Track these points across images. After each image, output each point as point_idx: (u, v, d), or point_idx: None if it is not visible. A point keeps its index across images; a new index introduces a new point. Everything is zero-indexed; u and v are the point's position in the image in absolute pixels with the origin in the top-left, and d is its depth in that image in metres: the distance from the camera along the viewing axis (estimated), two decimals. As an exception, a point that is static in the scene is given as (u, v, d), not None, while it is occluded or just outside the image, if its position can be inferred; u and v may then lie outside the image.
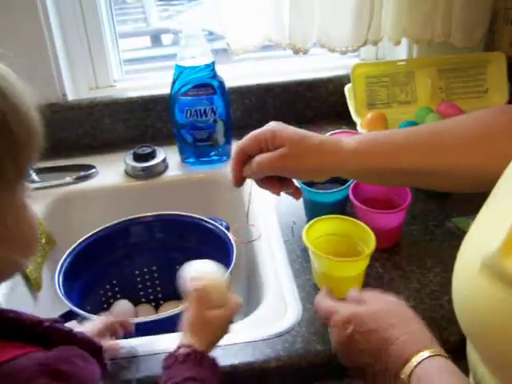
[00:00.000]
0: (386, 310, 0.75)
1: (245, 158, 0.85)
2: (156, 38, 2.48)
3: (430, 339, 0.70)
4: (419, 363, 0.67)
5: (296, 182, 0.90)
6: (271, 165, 0.82)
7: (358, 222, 0.96)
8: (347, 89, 1.41)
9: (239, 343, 0.85)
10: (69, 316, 0.96)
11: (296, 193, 0.89)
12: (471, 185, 0.83)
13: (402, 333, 0.71)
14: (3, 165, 0.51)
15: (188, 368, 0.67)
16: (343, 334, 0.74)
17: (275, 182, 0.86)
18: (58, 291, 0.97)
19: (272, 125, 0.84)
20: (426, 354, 0.67)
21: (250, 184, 0.89)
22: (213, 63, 1.24)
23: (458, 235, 1.05)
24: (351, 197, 1.03)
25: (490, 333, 0.56)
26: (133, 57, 1.63)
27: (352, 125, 1.36)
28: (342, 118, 1.42)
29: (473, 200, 1.11)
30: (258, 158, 0.82)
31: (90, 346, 0.59)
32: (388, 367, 0.69)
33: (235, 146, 0.86)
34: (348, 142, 0.83)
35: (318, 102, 1.47)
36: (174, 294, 1.21)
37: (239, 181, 0.87)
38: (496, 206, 0.63)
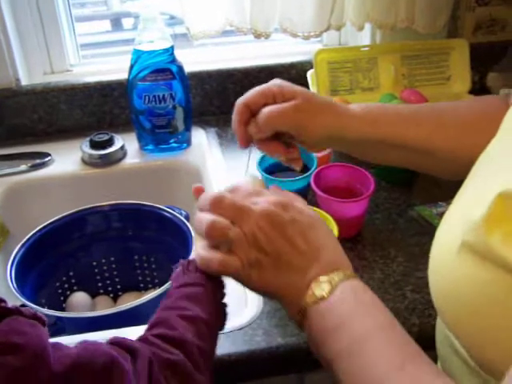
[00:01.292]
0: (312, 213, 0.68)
1: (249, 114, 0.78)
2: (117, 22, 2.43)
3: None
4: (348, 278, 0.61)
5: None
6: (283, 116, 0.75)
7: (319, 210, 0.95)
8: (310, 75, 1.39)
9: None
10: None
11: (298, 160, 0.83)
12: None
13: (331, 242, 0.66)
14: None
15: None
16: (280, 219, 0.63)
17: (279, 144, 0.80)
18: (10, 284, 0.94)
19: (277, 81, 0.79)
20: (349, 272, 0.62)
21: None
22: (172, 48, 1.21)
23: (421, 224, 1.05)
24: (313, 185, 1.01)
25: (474, 318, 0.52)
26: (92, 41, 1.58)
27: (314, 111, 1.33)
28: (303, 104, 1.40)
29: (435, 189, 1.12)
30: (267, 110, 0.75)
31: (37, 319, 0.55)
32: (307, 272, 0.62)
33: (237, 101, 0.78)
34: (355, 107, 0.81)
35: (279, 88, 1.44)
36: (132, 284, 1.19)
37: (246, 141, 0.79)
38: (477, 181, 0.60)
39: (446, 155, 0.81)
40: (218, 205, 0.63)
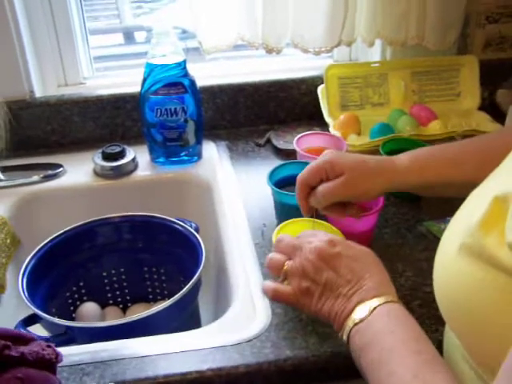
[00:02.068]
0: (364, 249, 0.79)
1: (308, 189, 0.91)
2: (129, 36, 2.45)
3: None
4: (388, 302, 0.70)
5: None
6: (334, 193, 0.88)
7: (328, 224, 0.95)
8: (320, 90, 1.40)
9: (207, 348, 0.83)
10: (33, 319, 0.93)
11: (357, 213, 0.94)
12: None
13: (376, 272, 0.75)
14: None
15: None
16: (328, 252, 0.76)
17: (339, 206, 0.92)
18: (21, 293, 0.95)
19: (329, 155, 0.90)
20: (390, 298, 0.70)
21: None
22: (184, 62, 1.22)
23: (430, 239, 1.05)
24: (322, 199, 1.02)
25: (469, 316, 0.55)
26: (105, 54, 1.60)
27: (324, 126, 1.35)
28: (314, 119, 1.42)
29: (444, 204, 1.12)
30: (322, 189, 0.89)
31: (44, 363, 0.56)
32: (351, 298, 0.72)
33: (298, 180, 0.92)
34: (402, 158, 0.91)
35: (290, 103, 1.46)
36: (142, 295, 1.20)
37: (308, 211, 0.94)
38: (479, 187, 0.64)
39: None
40: (278, 244, 0.83)
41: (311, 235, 0.82)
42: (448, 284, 0.60)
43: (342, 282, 0.74)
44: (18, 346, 0.54)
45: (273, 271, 0.82)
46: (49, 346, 0.56)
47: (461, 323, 0.58)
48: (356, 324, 0.69)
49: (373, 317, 0.69)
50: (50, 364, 0.55)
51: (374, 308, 0.69)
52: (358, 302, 0.71)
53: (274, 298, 0.81)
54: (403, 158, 0.91)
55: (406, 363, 0.61)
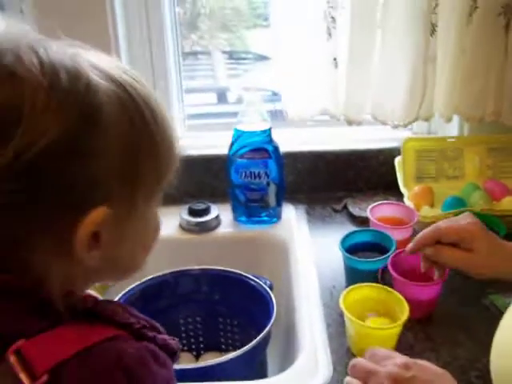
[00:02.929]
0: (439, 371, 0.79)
1: (435, 239, 0.99)
2: (222, 95, 2.59)
3: None
4: None
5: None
6: (457, 263, 0.97)
7: (393, 291, 1.00)
8: (397, 161, 1.46)
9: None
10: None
11: (444, 274, 1.02)
12: None
13: None
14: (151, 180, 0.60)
15: None
16: (403, 377, 0.75)
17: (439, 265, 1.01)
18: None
19: (471, 223, 0.98)
20: None
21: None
22: (269, 129, 1.31)
23: (493, 312, 1.07)
24: (390, 268, 1.07)
25: None
26: (198, 112, 1.72)
27: (399, 196, 1.40)
28: (390, 189, 1.47)
29: None
30: (451, 253, 0.97)
31: (168, 350, 0.62)
32: None
33: (436, 226, 1.00)
34: None
35: (368, 172, 1.53)
36: (214, 344, 1.27)
37: (416, 251, 1.02)
38: None
39: None
40: (352, 369, 0.81)
41: (385, 357, 0.80)
42: (505, 363, 0.62)
43: None
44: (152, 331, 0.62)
45: None
46: (173, 339, 0.64)
47: None
48: None
49: None
50: (172, 353, 0.63)
51: None
52: None
53: None
54: None
55: None
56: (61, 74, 0.50)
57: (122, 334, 0.58)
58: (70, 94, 0.50)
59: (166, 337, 0.62)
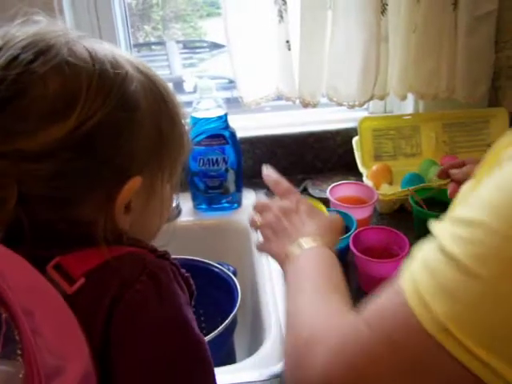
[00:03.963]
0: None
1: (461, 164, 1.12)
2: (178, 85, 2.57)
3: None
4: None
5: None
6: None
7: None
8: (355, 141, 1.47)
9: (240, 383, 0.89)
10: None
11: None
12: None
13: (321, 224, 0.89)
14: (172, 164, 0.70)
15: None
16: (289, 207, 0.91)
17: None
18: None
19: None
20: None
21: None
22: (225, 115, 1.31)
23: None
24: (351, 246, 1.07)
25: None
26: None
27: (359, 176, 1.41)
28: (349, 169, 1.48)
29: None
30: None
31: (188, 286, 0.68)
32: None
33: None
34: None
35: (326, 154, 1.53)
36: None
37: (445, 175, 1.15)
38: None
39: None
40: (254, 205, 0.98)
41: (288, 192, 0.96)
42: None
43: (293, 229, 0.88)
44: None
45: (252, 226, 0.97)
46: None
47: None
48: (288, 258, 0.83)
49: (302, 255, 0.82)
50: (191, 291, 0.68)
51: (304, 248, 0.82)
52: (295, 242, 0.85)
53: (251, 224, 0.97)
54: None
55: (312, 285, 0.75)
56: (106, 64, 0.60)
57: (147, 252, 0.66)
58: (115, 81, 0.60)
59: (187, 274, 0.69)
